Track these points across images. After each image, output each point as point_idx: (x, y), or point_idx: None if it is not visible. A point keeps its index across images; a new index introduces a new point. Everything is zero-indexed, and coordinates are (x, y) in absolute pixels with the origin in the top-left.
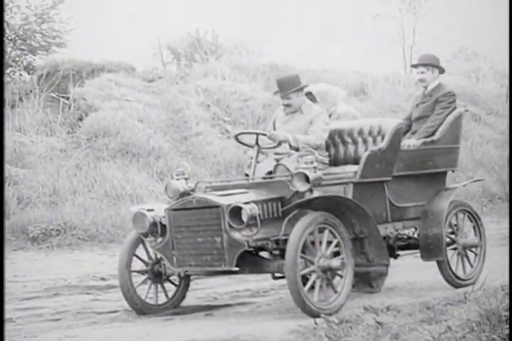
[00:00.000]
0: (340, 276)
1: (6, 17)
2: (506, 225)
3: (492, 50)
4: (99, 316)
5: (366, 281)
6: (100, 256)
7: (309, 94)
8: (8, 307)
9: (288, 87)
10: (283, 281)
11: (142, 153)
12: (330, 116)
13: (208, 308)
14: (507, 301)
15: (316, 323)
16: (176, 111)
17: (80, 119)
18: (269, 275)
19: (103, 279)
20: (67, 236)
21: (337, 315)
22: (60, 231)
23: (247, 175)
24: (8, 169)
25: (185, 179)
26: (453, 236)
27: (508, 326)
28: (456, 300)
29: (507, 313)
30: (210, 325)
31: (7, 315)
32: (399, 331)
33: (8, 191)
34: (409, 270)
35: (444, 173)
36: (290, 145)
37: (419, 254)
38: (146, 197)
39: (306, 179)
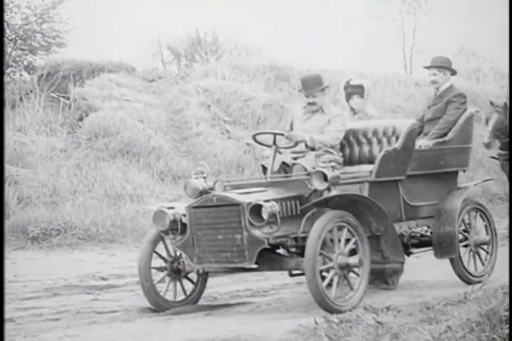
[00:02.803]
0: (356, 273)
1: (6, 17)
2: (506, 225)
3: (492, 51)
4: (100, 316)
5: (382, 278)
6: (100, 255)
7: (358, 88)
8: (9, 307)
9: (313, 85)
10: (283, 281)
11: (142, 153)
12: (355, 113)
13: (208, 308)
14: (507, 301)
15: (316, 323)
16: (176, 112)
17: (80, 119)
18: (269, 275)
19: (103, 279)
20: (67, 236)
21: (337, 315)
22: (61, 230)
23: (263, 166)
24: (9, 169)
25: (204, 177)
26: (466, 233)
27: (508, 326)
28: (456, 300)
29: (507, 313)
30: (210, 325)
31: (7, 315)
32: (399, 331)
33: (9, 191)
34: (409, 270)
35: (456, 173)
36: (306, 145)
37: (420, 254)
38: (146, 197)
39: (325, 178)
